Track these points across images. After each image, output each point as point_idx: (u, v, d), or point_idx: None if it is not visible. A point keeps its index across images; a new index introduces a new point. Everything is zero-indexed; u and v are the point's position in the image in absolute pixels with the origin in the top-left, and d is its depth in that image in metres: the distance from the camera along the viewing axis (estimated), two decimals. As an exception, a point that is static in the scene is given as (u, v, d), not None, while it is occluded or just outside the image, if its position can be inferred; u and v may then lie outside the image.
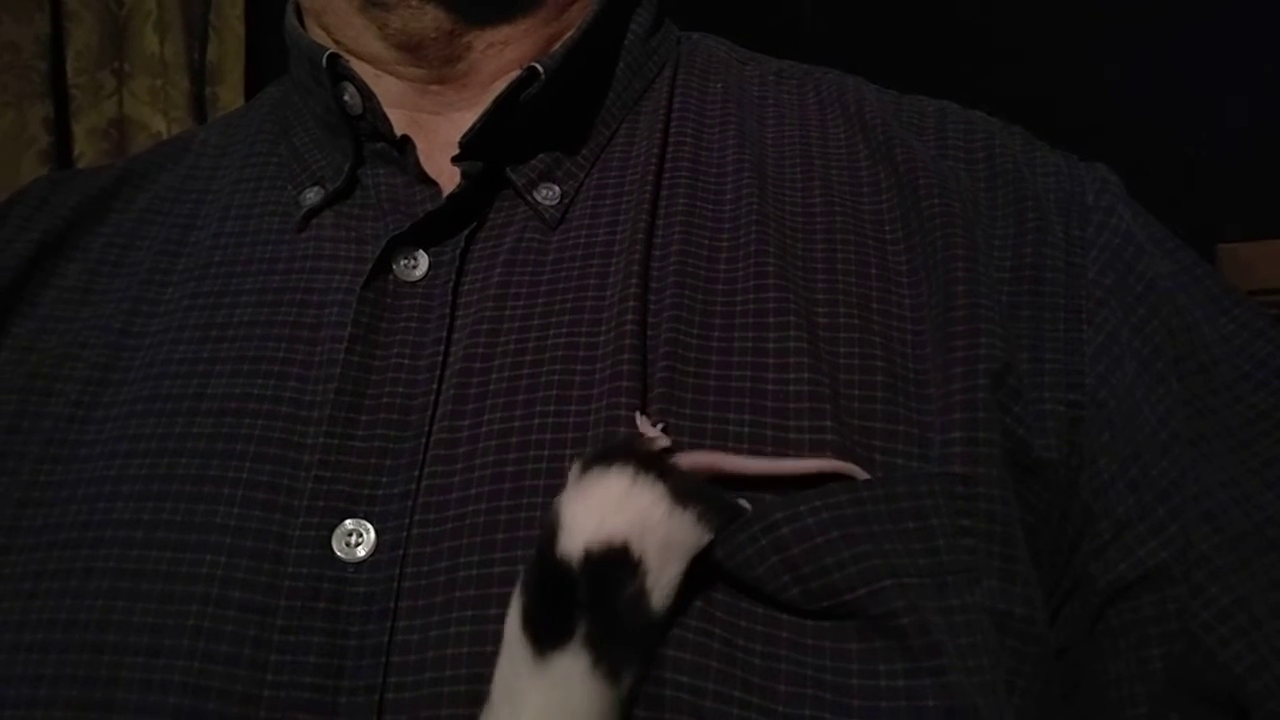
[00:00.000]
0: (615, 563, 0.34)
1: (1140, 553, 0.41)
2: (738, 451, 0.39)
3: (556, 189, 0.47)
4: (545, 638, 0.33)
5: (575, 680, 0.33)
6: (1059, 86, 1.36)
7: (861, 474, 0.39)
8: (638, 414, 0.39)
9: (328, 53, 0.47)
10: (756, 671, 0.36)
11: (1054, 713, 0.40)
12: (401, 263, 0.45)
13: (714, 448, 0.39)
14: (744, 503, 0.38)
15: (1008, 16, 1.44)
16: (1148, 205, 0.49)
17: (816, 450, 0.39)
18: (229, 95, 1.47)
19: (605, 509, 0.35)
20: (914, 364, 0.41)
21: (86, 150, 1.40)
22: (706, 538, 0.36)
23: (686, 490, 0.36)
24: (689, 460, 0.38)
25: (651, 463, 0.36)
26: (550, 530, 0.35)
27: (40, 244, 0.50)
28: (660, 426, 0.39)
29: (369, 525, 0.39)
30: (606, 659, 0.33)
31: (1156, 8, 1.39)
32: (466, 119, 0.46)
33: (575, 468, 0.36)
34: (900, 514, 0.38)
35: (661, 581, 0.35)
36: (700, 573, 0.36)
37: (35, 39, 1.40)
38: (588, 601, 0.33)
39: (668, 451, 0.38)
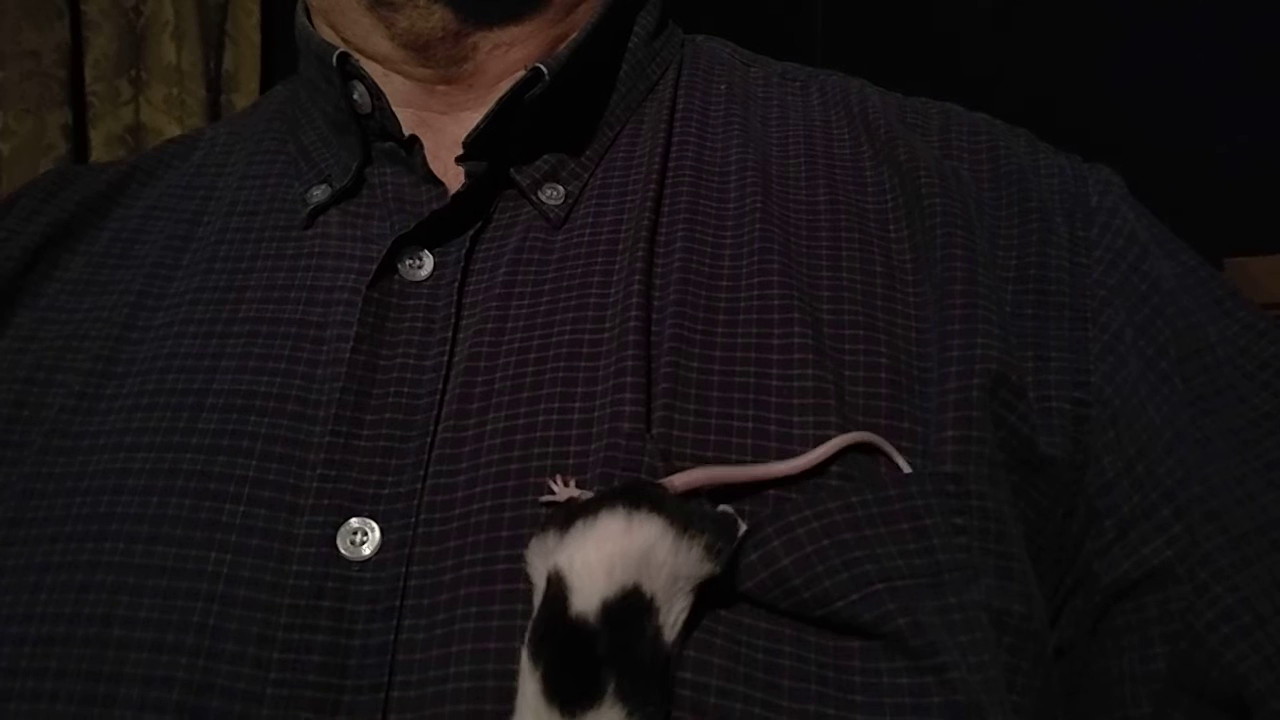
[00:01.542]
0: (631, 608, 0.33)
1: (1144, 551, 0.41)
2: (741, 447, 0.39)
3: (561, 189, 0.47)
4: (575, 702, 0.32)
5: None
6: (1068, 96, 1.36)
7: (870, 438, 0.39)
8: (552, 479, 0.38)
9: (338, 51, 0.47)
10: (760, 667, 0.36)
11: (1054, 710, 0.40)
12: (407, 262, 0.45)
13: (714, 458, 0.39)
14: (728, 508, 0.37)
15: (1019, 22, 1.44)
16: (1157, 218, 0.49)
17: (821, 444, 0.39)
18: (244, 103, 1.48)
19: (612, 557, 0.33)
20: (918, 362, 0.42)
21: (104, 157, 1.42)
22: (716, 570, 0.35)
23: (688, 518, 0.35)
24: (683, 480, 0.37)
25: (642, 495, 0.35)
26: (558, 593, 0.33)
27: (45, 236, 0.51)
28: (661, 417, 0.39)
29: (374, 524, 0.39)
30: (640, 708, 0.32)
31: (1169, 18, 1.38)
32: (473, 119, 0.46)
33: (551, 532, 0.35)
34: (893, 516, 0.38)
35: (671, 616, 0.34)
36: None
37: (55, 47, 1.42)
38: (612, 656, 0.33)
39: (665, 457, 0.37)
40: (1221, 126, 1.35)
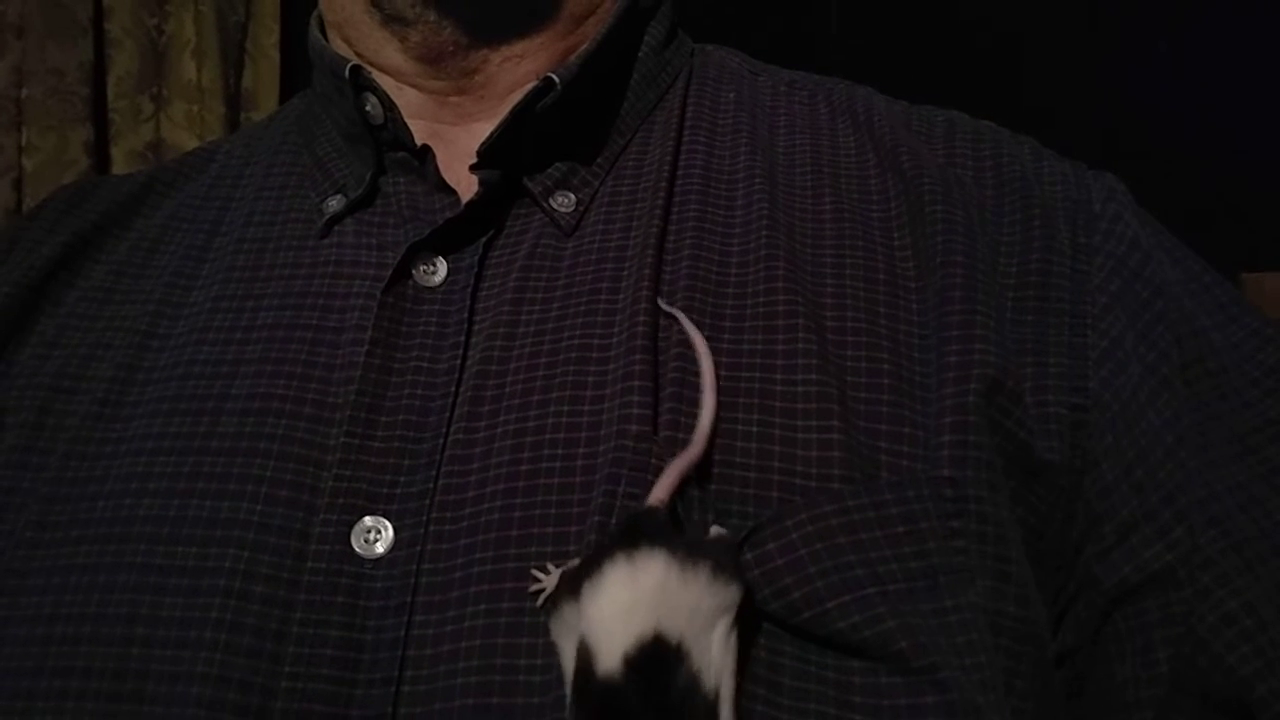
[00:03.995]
0: (655, 658, 0.32)
1: (1145, 555, 0.41)
2: (745, 450, 0.40)
3: (572, 196, 0.48)
4: None
5: None
6: (1085, 110, 1.36)
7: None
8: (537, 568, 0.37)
9: (351, 64, 0.48)
10: (763, 665, 0.36)
11: (1055, 714, 0.40)
12: (421, 269, 0.46)
13: (718, 460, 0.39)
14: (720, 529, 0.37)
15: (1038, 33, 1.44)
16: (1173, 233, 0.49)
17: (824, 448, 0.39)
18: (264, 120, 1.50)
19: (625, 608, 0.33)
20: (920, 368, 0.42)
21: (125, 172, 1.43)
22: (737, 593, 0.35)
23: (688, 547, 0.34)
24: (664, 488, 0.37)
25: (638, 534, 0.34)
26: (584, 659, 0.33)
27: (66, 246, 0.51)
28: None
29: (387, 523, 0.40)
30: None
31: (1189, 34, 1.39)
32: (485, 129, 0.47)
33: (566, 604, 0.34)
34: (889, 519, 0.38)
35: (710, 654, 0.33)
36: None
37: (78, 65, 1.44)
38: (643, 710, 0.31)
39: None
40: (1239, 141, 1.35)
